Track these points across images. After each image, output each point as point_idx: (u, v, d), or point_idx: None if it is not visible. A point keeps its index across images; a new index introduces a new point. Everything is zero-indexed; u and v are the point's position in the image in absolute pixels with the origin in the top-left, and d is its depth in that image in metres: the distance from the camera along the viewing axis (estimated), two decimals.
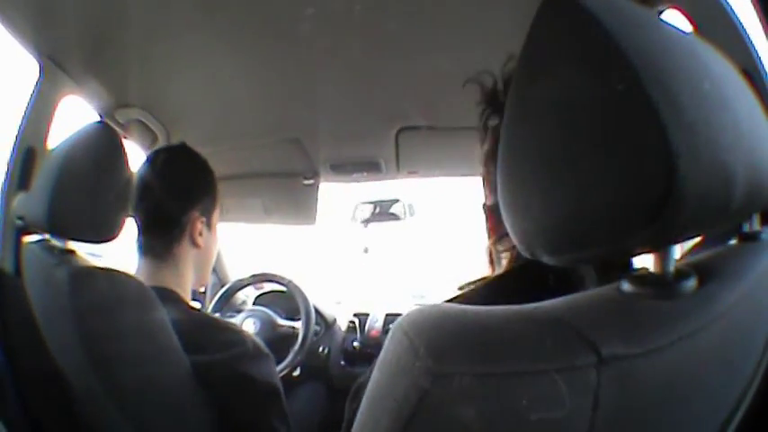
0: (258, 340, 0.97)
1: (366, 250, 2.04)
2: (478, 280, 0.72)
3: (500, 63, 1.07)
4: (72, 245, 0.90)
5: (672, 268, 0.37)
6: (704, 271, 0.39)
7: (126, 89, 1.35)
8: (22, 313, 0.96)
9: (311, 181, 1.75)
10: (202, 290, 1.92)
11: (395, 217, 2.00)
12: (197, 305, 2.08)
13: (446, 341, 0.33)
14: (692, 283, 0.37)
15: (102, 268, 0.86)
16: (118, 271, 0.88)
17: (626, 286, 0.37)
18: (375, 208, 2.03)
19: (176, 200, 1.00)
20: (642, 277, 0.37)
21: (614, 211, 0.32)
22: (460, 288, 0.71)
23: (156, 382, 0.84)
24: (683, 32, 0.38)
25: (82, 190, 0.83)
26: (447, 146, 1.61)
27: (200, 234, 1.02)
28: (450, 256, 2.87)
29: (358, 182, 1.82)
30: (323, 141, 1.61)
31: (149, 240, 1.00)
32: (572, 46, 0.35)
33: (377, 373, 0.39)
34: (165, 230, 0.99)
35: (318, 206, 1.80)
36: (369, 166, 1.70)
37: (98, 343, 0.80)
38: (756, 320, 0.45)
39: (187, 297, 1.03)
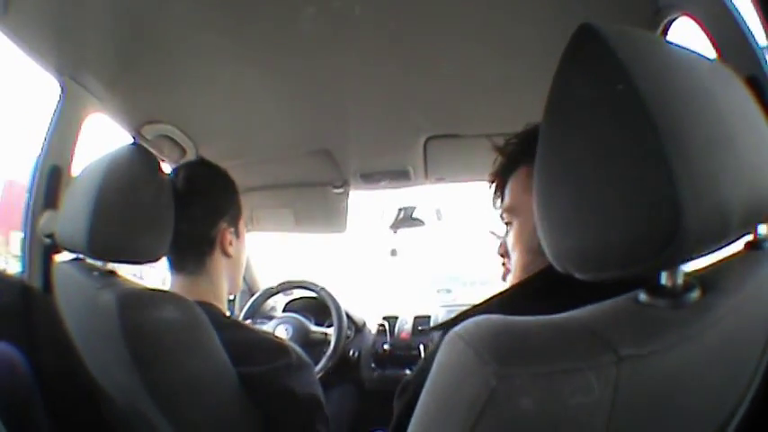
0: (300, 350, 0.99)
1: (394, 252, 2.05)
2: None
3: (524, 72, 1.16)
4: (111, 265, 0.91)
5: (680, 281, 0.44)
6: (707, 282, 0.47)
7: (152, 105, 1.37)
8: (53, 332, 0.98)
9: (341, 189, 1.77)
10: (231, 297, 1.97)
11: (422, 222, 2.01)
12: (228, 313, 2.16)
13: (506, 348, 0.41)
14: (695, 294, 0.45)
15: (148, 290, 0.87)
16: (164, 291, 0.91)
17: (642, 297, 0.45)
18: (403, 213, 2.05)
19: (204, 215, 1.01)
20: (656, 289, 0.45)
21: (633, 242, 0.40)
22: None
23: (210, 398, 0.87)
24: (703, 59, 0.46)
25: (123, 211, 0.84)
26: (474, 152, 1.56)
27: (231, 244, 1.04)
28: (476, 257, 2.86)
29: (386, 189, 1.84)
30: (353, 152, 1.62)
31: (182, 257, 1.00)
32: (598, 89, 0.42)
33: (438, 378, 0.45)
34: (197, 246, 1.00)
35: (348, 214, 1.82)
36: (398, 175, 1.71)
37: (152, 366, 0.81)
38: (756, 323, 0.52)
39: (225, 308, 1.06)
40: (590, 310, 0.45)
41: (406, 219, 1.99)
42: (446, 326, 0.71)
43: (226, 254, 1.04)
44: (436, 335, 1.70)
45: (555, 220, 0.46)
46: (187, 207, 0.97)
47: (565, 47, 0.45)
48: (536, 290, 0.71)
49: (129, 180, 0.86)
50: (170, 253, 0.98)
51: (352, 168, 1.70)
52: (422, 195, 2.01)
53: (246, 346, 0.93)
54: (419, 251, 2.65)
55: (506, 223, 0.86)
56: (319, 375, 1.72)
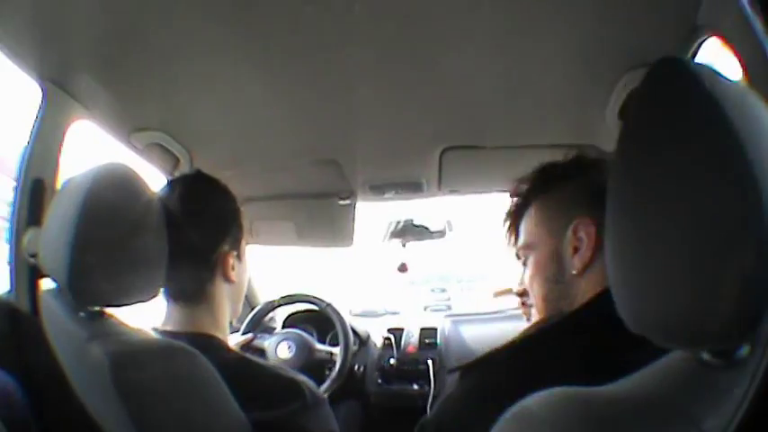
0: (312, 385, 0.91)
1: (403, 268, 1.95)
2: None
3: (551, 83, 1.14)
4: None
5: None
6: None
7: (142, 111, 1.25)
8: (46, 358, 0.88)
9: (347, 201, 1.65)
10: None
11: (433, 234, 1.91)
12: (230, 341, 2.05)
13: (576, 423, 0.40)
14: (746, 350, 0.41)
15: (144, 342, 0.79)
16: (162, 342, 0.81)
17: (705, 356, 0.41)
18: (402, 224, 1.94)
19: (203, 237, 0.92)
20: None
21: (725, 316, 0.36)
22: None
23: None
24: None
25: (108, 246, 0.75)
26: (492, 164, 1.52)
27: (233, 268, 0.95)
28: (470, 254, 2.79)
29: (395, 201, 1.73)
30: (362, 162, 1.51)
31: (179, 284, 0.91)
32: (687, 128, 0.38)
33: None
34: (195, 272, 0.91)
35: (355, 227, 1.71)
36: (410, 187, 1.60)
37: (152, 423, 0.73)
38: None
39: (227, 339, 0.97)
40: (654, 376, 0.43)
41: (420, 231, 1.88)
42: (468, 368, 0.73)
43: (227, 279, 0.94)
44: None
45: (633, 281, 0.43)
46: (184, 229, 0.88)
47: (642, 81, 0.42)
48: (562, 332, 0.68)
49: (113, 207, 0.77)
50: (165, 280, 0.88)
51: (361, 179, 1.59)
52: (429, 206, 1.90)
53: (256, 387, 0.86)
54: (429, 265, 2.56)
55: (523, 263, 0.84)
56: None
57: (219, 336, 0.93)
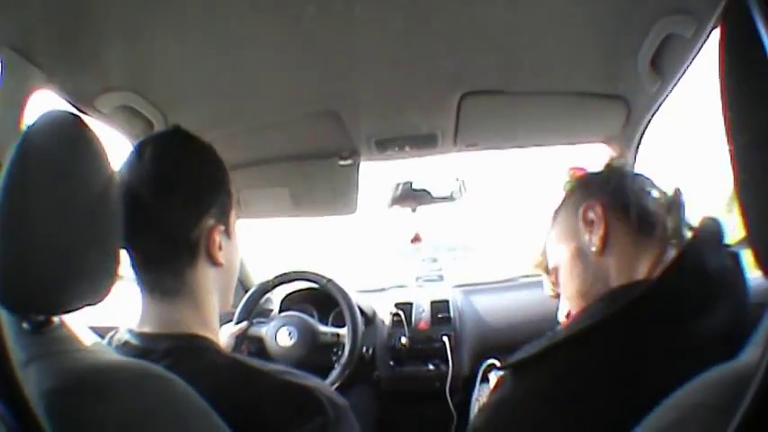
0: (331, 392, 0.71)
1: (417, 238, 1.75)
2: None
3: (573, 23, 1.04)
4: None
5: None
6: None
7: (108, 69, 1.06)
8: None
9: (349, 161, 1.43)
10: None
11: (445, 198, 1.70)
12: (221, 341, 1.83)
13: None
14: None
15: (96, 366, 0.57)
16: (124, 366, 0.59)
17: None
18: (401, 188, 1.72)
19: (180, 209, 0.71)
20: None
21: None
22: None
23: None
24: None
25: (44, 236, 0.54)
26: (514, 113, 1.34)
27: (220, 248, 0.74)
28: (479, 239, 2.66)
29: (405, 159, 1.52)
30: (367, 113, 1.30)
31: (153, 272, 0.72)
32: None
33: None
34: (173, 255, 0.71)
35: (359, 191, 1.50)
36: (423, 140, 1.39)
37: None
38: None
39: (219, 339, 0.77)
40: None
41: (430, 194, 1.67)
42: (522, 365, 0.67)
43: (214, 262, 0.74)
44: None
45: None
46: (154, 201, 0.70)
47: None
48: (622, 320, 0.63)
49: (52, 177, 0.56)
50: (137, 268, 0.72)
51: (365, 133, 1.37)
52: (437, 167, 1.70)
53: (260, 402, 0.66)
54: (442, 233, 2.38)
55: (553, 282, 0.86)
56: (335, 387, 1.44)
57: (208, 335, 0.73)
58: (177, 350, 0.67)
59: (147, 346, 0.68)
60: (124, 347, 0.70)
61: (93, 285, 0.59)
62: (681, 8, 0.95)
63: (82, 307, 0.58)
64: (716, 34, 0.91)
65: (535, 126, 1.42)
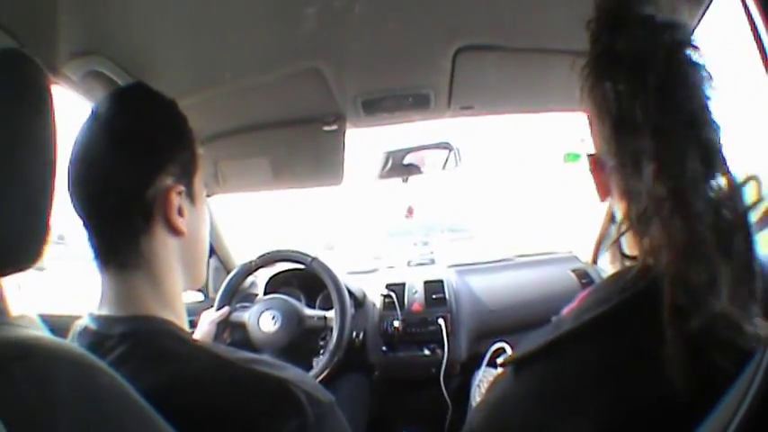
0: (311, 384, 0.59)
1: (410, 211, 1.65)
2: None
3: None
4: None
5: None
6: None
7: (77, 33, 0.97)
8: None
9: (334, 126, 1.32)
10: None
11: (439, 168, 1.60)
12: (199, 297, 1.72)
13: None
14: None
15: (29, 348, 0.46)
16: (35, 344, 0.47)
17: None
18: (391, 159, 1.61)
19: (133, 165, 0.62)
20: None
21: None
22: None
23: None
24: None
25: None
26: (512, 72, 1.24)
27: (181, 214, 0.64)
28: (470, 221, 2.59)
29: (395, 123, 1.41)
30: (352, 70, 1.18)
31: (104, 240, 0.63)
32: None
33: None
34: (123, 219, 0.62)
35: (345, 159, 1.38)
36: (414, 101, 1.28)
37: None
38: None
39: (183, 322, 0.66)
40: None
41: (421, 163, 1.57)
42: (526, 360, 0.59)
43: (173, 230, 0.64)
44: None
45: None
46: (106, 156, 0.61)
47: None
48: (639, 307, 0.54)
49: None
50: (91, 238, 0.63)
51: (351, 94, 1.26)
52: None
53: (226, 400, 0.55)
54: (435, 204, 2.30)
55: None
56: (324, 375, 1.34)
57: (169, 316, 0.63)
58: (132, 335, 0.59)
59: (103, 331, 0.60)
60: (84, 333, 0.62)
61: (23, 248, 0.50)
62: None
63: (12, 272, 0.49)
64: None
65: (535, 88, 1.32)
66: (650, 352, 0.50)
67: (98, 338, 0.59)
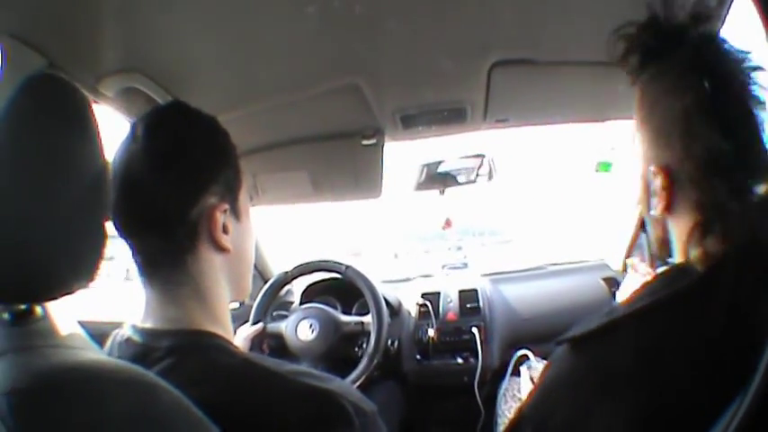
0: (356, 395, 0.62)
1: (448, 223, 1.66)
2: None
3: None
4: None
5: None
6: None
7: (112, 50, 0.98)
8: None
9: (373, 140, 1.35)
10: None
11: (474, 180, 1.61)
12: (235, 305, 1.75)
13: None
14: None
15: (74, 366, 0.48)
16: (104, 367, 0.50)
17: None
18: (426, 171, 1.63)
19: (176, 186, 0.63)
20: None
21: None
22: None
23: None
24: None
25: (23, 216, 0.48)
26: (546, 85, 1.26)
27: (226, 231, 0.65)
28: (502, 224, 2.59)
29: (432, 136, 1.43)
30: (391, 86, 1.21)
31: (150, 260, 0.63)
32: None
33: None
34: (170, 240, 0.63)
35: (384, 172, 1.41)
36: (451, 115, 1.30)
37: None
38: None
39: (230, 335, 0.68)
40: None
41: (433, 177, 1.58)
42: (583, 339, 0.61)
43: (218, 247, 0.65)
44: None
45: None
46: (149, 177, 0.61)
47: None
48: (698, 294, 0.57)
49: (35, 149, 0.50)
50: (136, 257, 0.63)
51: (389, 109, 1.28)
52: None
53: (276, 410, 0.57)
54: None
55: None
56: (361, 380, 1.37)
57: (217, 331, 0.64)
58: (180, 348, 0.59)
59: (148, 344, 0.61)
60: (126, 344, 0.63)
61: (76, 270, 0.51)
62: None
63: (65, 294, 0.50)
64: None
65: (569, 99, 1.33)
66: (699, 339, 0.53)
67: (143, 350, 0.60)
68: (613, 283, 1.72)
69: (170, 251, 0.63)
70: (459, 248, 2.22)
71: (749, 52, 0.59)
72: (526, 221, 2.52)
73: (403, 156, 1.57)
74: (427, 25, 1.02)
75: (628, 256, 1.73)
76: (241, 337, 1.33)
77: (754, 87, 0.58)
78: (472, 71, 1.16)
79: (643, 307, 0.58)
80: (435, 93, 1.24)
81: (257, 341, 1.37)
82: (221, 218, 0.64)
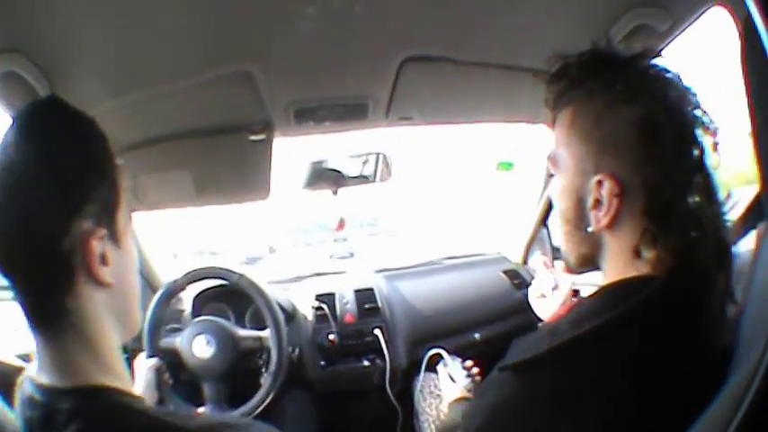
0: None
1: (341, 223, 1.58)
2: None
3: None
4: None
5: None
6: None
7: None
8: None
9: (261, 136, 1.22)
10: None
11: (366, 179, 1.54)
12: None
13: None
14: None
15: None
16: None
17: None
18: (313, 168, 1.54)
19: (43, 209, 0.52)
20: None
21: None
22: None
23: None
24: None
25: None
26: (460, 85, 1.24)
27: (105, 262, 0.55)
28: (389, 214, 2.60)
29: (327, 132, 1.34)
30: (288, 74, 1.09)
31: (27, 301, 0.53)
32: None
33: None
34: (41, 277, 0.53)
35: (272, 172, 1.30)
36: (351, 110, 1.23)
37: None
38: None
39: (126, 383, 0.58)
40: None
41: (349, 175, 1.51)
42: (529, 365, 0.60)
43: (97, 281, 0.55)
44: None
45: None
46: (14, 198, 0.52)
47: None
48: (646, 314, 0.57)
49: None
50: (15, 296, 0.53)
51: (283, 101, 1.17)
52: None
53: None
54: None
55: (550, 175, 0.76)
56: (270, 401, 1.30)
57: (114, 382, 0.56)
58: (81, 413, 0.52)
59: (49, 404, 0.53)
60: (29, 403, 0.55)
61: None
62: (656, 1, 0.92)
63: None
64: (690, 32, 0.92)
65: (478, 100, 1.34)
66: (652, 357, 0.54)
67: (46, 412, 0.53)
68: (515, 276, 1.78)
69: (46, 291, 0.53)
70: (345, 239, 2.18)
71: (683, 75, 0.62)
72: (414, 216, 2.56)
73: (292, 153, 1.47)
74: (335, 9, 0.91)
75: (528, 250, 1.81)
76: (143, 370, 1.20)
77: (696, 103, 0.60)
78: (381, 65, 1.10)
79: (596, 327, 0.57)
80: (337, 86, 1.16)
81: (160, 372, 1.24)
82: (98, 247, 0.54)
